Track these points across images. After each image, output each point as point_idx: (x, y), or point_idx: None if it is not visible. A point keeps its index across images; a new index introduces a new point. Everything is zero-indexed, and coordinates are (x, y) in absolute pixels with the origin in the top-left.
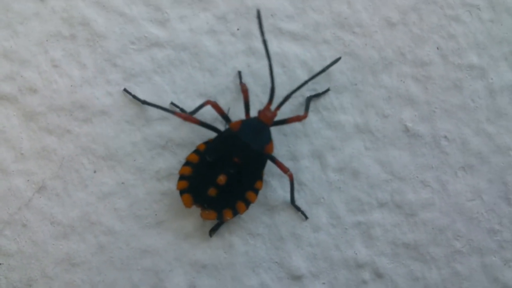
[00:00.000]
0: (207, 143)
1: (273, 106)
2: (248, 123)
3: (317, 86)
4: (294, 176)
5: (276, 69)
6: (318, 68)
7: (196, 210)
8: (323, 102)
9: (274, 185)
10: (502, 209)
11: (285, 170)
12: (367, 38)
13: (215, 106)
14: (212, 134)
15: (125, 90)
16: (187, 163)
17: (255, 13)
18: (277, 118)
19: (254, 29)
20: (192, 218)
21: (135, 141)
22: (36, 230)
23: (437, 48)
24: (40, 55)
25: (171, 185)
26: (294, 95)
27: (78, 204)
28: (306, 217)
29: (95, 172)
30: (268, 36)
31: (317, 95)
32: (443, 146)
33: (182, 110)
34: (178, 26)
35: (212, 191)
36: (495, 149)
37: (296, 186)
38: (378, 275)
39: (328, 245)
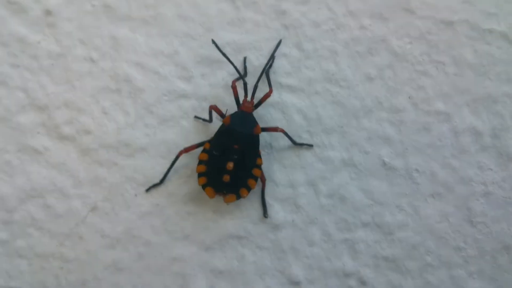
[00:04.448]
0: (210, 141)
1: (249, 98)
2: (235, 115)
3: (311, 128)
4: (293, 201)
5: (277, 115)
6: (311, 114)
7: (212, 227)
8: (316, 141)
9: (277, 208)
10: (467, 230)
11: (275, 129)
12: (351, 90)
13: (216, 108)
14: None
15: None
16: (200, 161)
17: (260, 71)
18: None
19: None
20: (211, 233)
21: None
22: (90, 242)
23: (409, 98)
24: (93, 104)
25: (195, 206)
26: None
27: (123, 221)
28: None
29: (136, 196)
30: None
31: (270, 67)
32: (415, 177)
33: (205, 119)
34: (200, 82)
35: (226, 178)
36: (459, 180)
37: (294, 208)
38: (363, 282)
39: (321, 257)
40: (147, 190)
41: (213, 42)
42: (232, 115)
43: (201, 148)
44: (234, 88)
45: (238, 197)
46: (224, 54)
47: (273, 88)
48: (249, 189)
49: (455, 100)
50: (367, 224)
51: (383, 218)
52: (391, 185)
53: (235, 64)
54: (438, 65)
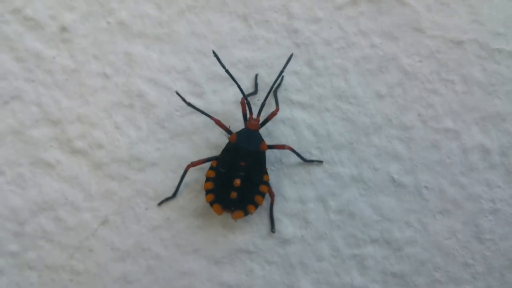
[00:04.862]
0: (217, 158)
1: (255, 115)
2: (241, 133)
3: (321, 144)
4: (302, 216)
5: (287, 131)
6: (321, 131)
7: (222, 242)
8: (325, 157)
9: (286, 223)
10: (474, 247)
11: (282, 147)
12: (361, 107)
13: (219, 123)
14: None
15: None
16: (208, 179)
17: (273, 88)
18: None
19: (269, 99)
20: (221, 247)
21: None
22: (100, 254)
23: (418, 115)
24: (106, 119)
25: (205, 221)
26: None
27: (133, 235)
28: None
29: (146, 209)
30: (281, 105)
31: (279, 86)
32: (423, 194)
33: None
34: (212, 98)
35: (233, 195)
36: (468, 197)
37: (303, 223)
38: None
39: (330, 272)
40: (160, 203)
41: (214, 54)
42: (238, 133)
43: (209, 165)
44: (242, 104)
45: (246, 213)
46: (223, 66)
47: (284, 104)
48: (256, 205)
49: (464, 118)
50: (376, 240)
51: (391, 234)
52: (400, 201)
53: (248, 81)
54: (448, 83)
